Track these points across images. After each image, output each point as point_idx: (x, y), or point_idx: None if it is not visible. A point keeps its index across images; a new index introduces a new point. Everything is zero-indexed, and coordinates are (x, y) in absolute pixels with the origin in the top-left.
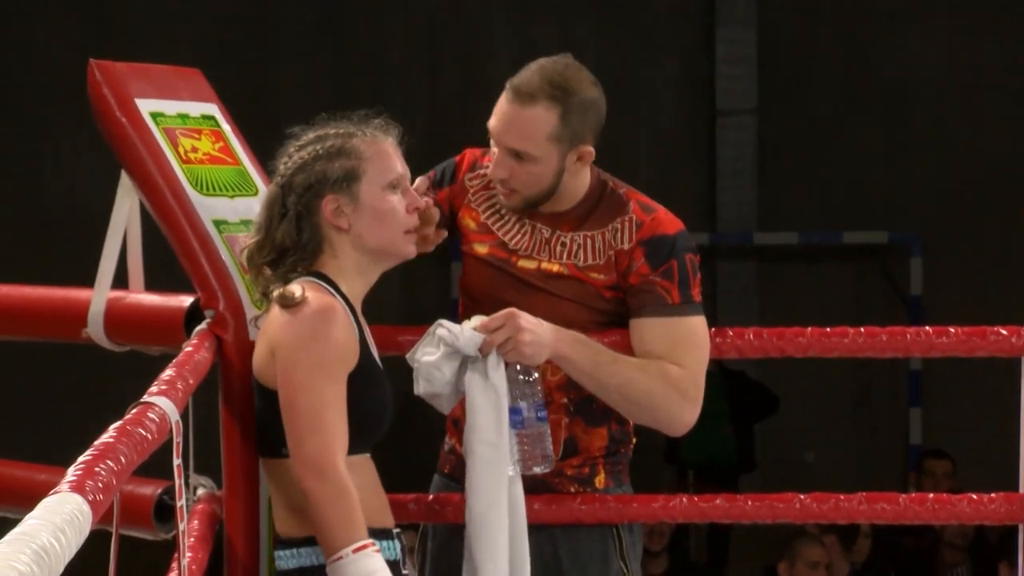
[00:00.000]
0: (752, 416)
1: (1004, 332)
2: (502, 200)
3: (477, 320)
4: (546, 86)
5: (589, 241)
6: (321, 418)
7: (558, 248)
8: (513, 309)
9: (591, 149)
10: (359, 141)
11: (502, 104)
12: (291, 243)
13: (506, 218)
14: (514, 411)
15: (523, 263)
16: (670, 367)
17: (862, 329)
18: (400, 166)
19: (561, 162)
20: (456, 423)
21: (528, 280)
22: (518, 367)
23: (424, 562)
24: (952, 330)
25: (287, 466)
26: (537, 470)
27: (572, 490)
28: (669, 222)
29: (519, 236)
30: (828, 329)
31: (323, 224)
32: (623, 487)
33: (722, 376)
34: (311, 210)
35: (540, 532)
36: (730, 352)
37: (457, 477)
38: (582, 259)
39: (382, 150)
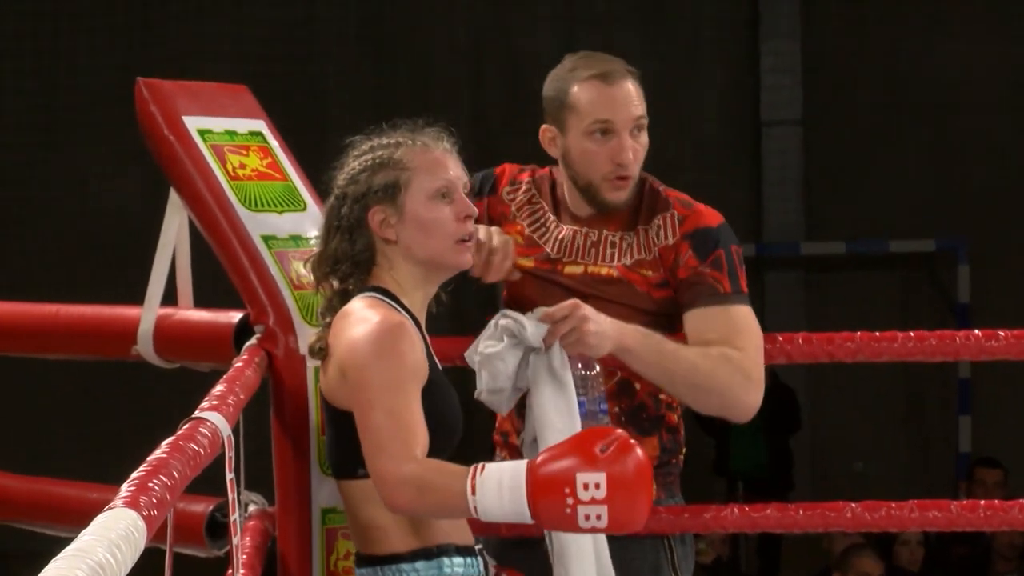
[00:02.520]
0: (784, 428)
1: None
2: (611, 199)
3: (541, 312)
4: (618, 62)
5: (635, 239)
6: (395, 432)
7: (608, 250)
8: (576, 300)
9: None
10: (406, 151)
11: (610, 90)
12: (343, 254)
13: (550, 228)
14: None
15: (569, 269)
16: (731, 351)
17: (911, 333)
18: (451, 173)
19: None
20: (506, 437)
21: (574, 286)
22: (579, 362)
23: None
24: (1002, 334)
25: (365, 486)
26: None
27: None
28: (711, 215)
29: (564, 243)
30: (877, 333)
31: (373, 236)
32: (675, 499)
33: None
34: (361, 222)
35: None
36: (779, 358)
37: None
38: (630, 257)
39: (430, 159)
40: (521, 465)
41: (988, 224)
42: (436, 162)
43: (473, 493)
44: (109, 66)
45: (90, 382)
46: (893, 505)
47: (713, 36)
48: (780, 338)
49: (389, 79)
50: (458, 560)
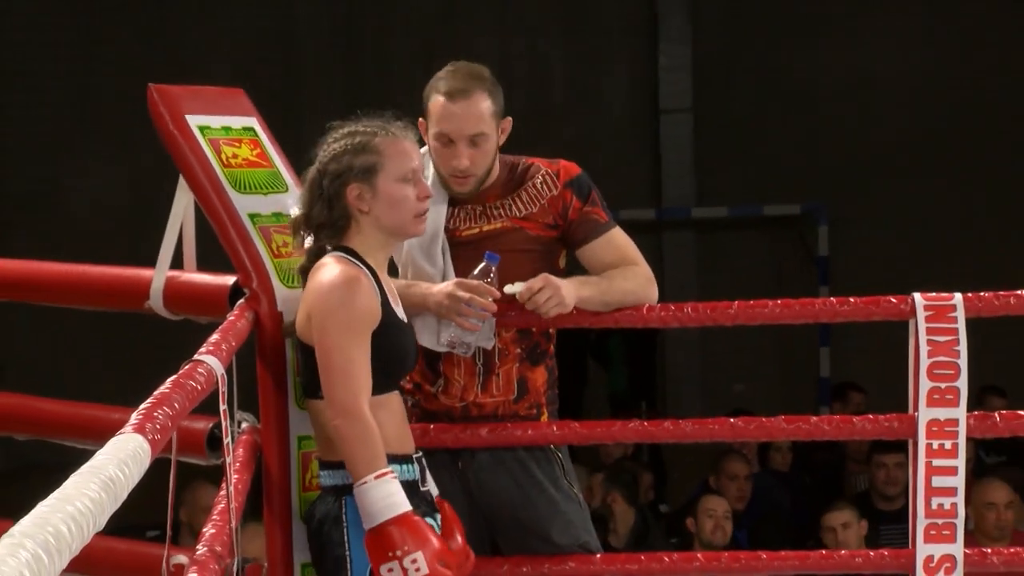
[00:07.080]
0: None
1: (894, 300)
2: (455, 190)
3: (520, 286)
4: (472, 79)
5: (517, 199)
6: (348, 371)
7: (493, 211)
8: (546, 274)
9: (510, 119)
10: (381, 140)
11: (448, 107)
12: (324, 219)
13: None
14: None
15: (465, 233)
16: (634, 267)
17: (779, 301)
18: (416, 162)
19: (497, 134)
20: (419, 387)
21: (472, 238)
22: (486, 272)
23: (469, 485)
24: (852, 300)
25: (323, 406)
26: (470, 348)
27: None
28: (573, 166)
29: (453, 220)
30: (752, 302)
31: (349, 206)
32: None
33: None
34: (339, 194)
35: (501, 464)
36: (672, 322)
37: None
38: (518, 211)
39: (400, 148)
40: (404, 504)
41: (844, 191)
42: (405, 151)
43: (376, 479)
44: (132, 68)
45: (115, 328)
46: (765, 419)
47: (620, 40)
48: (673, 307)
49: (357, 79)
50: (393, 466)
